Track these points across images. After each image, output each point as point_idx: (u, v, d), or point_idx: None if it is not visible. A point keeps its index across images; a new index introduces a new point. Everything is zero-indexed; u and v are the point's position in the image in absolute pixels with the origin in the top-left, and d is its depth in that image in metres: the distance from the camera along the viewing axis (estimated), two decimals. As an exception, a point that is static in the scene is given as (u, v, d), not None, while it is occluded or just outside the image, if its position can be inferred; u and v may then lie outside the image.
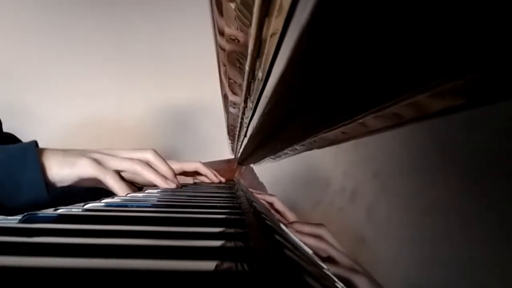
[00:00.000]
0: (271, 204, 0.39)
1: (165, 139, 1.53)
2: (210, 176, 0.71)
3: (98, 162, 0.52)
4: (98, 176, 0.51)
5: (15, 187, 0.47)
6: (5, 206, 0.47)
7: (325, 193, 0.21)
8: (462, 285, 0.09)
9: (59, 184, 0.51)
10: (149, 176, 0.54)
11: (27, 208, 0.34)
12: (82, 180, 0.52)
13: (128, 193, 0.52)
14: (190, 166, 0.69)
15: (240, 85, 0.35)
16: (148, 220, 0.28)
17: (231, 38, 0.26)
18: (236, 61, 0.30)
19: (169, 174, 0.59)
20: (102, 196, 0.42)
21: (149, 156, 0.59)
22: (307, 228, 0.27)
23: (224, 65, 0.32)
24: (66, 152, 0.53)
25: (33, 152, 0.49)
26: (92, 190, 0.62)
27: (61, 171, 0.50)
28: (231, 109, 0.54)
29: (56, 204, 0.33)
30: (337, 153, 0.21)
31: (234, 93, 0.40)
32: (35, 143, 0.51)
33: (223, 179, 0.74)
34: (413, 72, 0.11)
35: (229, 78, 0.37)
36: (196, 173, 0.71)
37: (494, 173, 0.08)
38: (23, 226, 0.23)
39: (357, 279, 0.17)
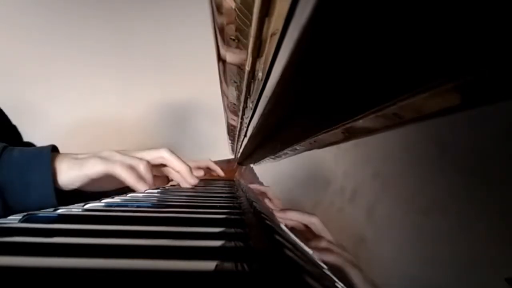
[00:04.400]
0: (263, 194, 0.42)
1: (165, 139, 1.52)
2: (219, 172, 0.81)
3: (106, 159, 0.52)
4: (106, 169, 0.51)
5: (24, 186, 0.47)
6: (14, 211, 0.46)
7: (325, 193, 0.21)
8: (462, 285, 0.09)
9: (69, 187, 0.51)
10: (136, 183, 0.53)
11: None
12: (93, 181, 0.52)
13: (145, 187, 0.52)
14: (203, 163, 0.77)
15: (239, 85, 0.35)
16: (148, 220, 0.28)
17: (231, 38, 0.26)
18: (236, 61, 0.30)
19: (184, 170, 0.60)
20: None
21: (165, 155, 0.59)
22: (298, 216, 0.27)
23: (224, 65, 0.32)
24: (78, 154, 0.53)
25: (47, 155, 0.49)
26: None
27: (70, 172, 0.50)
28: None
29: None
30: (337, 153, 0.21)
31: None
32: (52, 147, 0.51)
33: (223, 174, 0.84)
34: (412, 72, 0.11)
35: (229, 78, 0.36)
36: (208, 169, 0.79)
37: (494, 173, 0.08)
38: (23, 226, 0.23)
39: (347, 270, 0.17)
